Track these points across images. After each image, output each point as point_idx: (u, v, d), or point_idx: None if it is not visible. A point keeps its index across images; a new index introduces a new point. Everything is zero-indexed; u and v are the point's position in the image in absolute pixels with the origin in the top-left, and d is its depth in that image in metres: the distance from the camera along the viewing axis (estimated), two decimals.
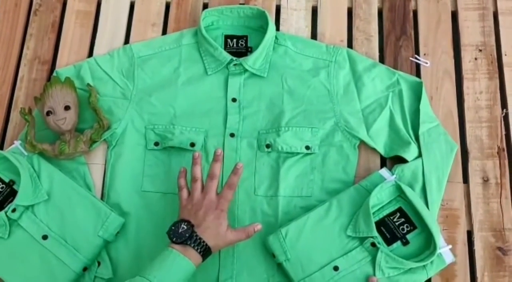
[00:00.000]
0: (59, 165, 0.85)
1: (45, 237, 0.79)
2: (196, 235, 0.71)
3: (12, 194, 0.82)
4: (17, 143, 0.85)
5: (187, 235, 0.71)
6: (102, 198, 0.85)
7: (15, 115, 0.91)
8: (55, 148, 0.82)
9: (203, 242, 0.71)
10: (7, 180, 0.83)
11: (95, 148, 0.86)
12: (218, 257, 0.79)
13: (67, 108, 0.83)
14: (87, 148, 0.84)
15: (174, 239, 0.71)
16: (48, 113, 0.82)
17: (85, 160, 0.87)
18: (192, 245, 0.70)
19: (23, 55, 0.96)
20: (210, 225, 0.73)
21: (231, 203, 0.81)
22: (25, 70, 0.95)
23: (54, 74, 0.91)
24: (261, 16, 0.92)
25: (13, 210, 0.78)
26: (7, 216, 0.78)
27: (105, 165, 0.87)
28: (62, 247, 0.78)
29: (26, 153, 0.84)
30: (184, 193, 0.77)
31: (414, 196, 0.78)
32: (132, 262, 0.80)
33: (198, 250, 0.71)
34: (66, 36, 0.97)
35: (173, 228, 0.72)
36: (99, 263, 0.80)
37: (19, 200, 0.78)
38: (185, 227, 0.71)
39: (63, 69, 0.92)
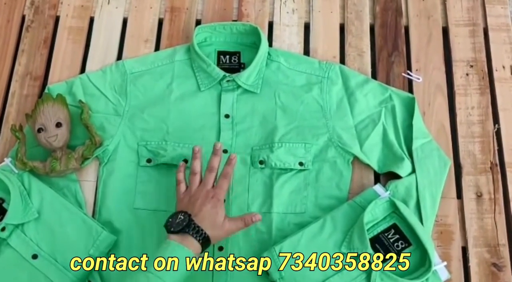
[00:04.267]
0: (50, 182, 0.84)
1: (35, 256, 0.77)
2: (194, 223, 0.70)
3: (2, 212, 0.80)
4: (7, 160, 0.84)
5: (184, 223, 0.69)
6: (93, 215, 0.84)
7: (5, 132, 0.90)
8: (46, 165, 0.81)
9: (201, 230, 0.70)
10: None
11: (86, 165, 0.85)
12: (212, 276, 0.78)
13: (58, 125, 0.82)
14: (78, 165, 0.83)
15: (172, 228, 0.70)
16: (40, 130, 0.81)
17: (76, 177, 0.86)
18: (191, 232, 0.69)
19: (14, 71, 0.95)
20: (207, 214, 0.72)
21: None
22: (16, 86, 0.94)
23: (46, 90, 0.90)
24: (254, 33, 0.92)
25: (3, 229, 0.77)
26: None
27: (96, 182, 0.86)
28: (52, 266, 0.77)
29: (16, 171, 0.83)
30: (182, 187, 0.77)
31: (408, 212, 0.78)
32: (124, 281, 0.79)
33: (197, 238, 0.69)
34: (58, 52, 0.96)
35: (170, 219, 0.71)
36: None
37: (8, 219, 0.77)
38: (182, 217, 0.70)
39: (55, 85, 0.91)
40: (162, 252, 0.68)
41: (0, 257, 0.77)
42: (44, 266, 0.77)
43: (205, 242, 0.70)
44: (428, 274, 0.74)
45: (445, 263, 0.77)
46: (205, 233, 0.70)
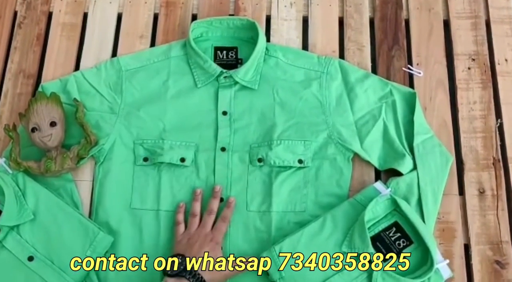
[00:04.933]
0: (45, 182, 0.82)
1: (30, 258, 0.76)
2: (192, 267, 0.70)
3: None
4: (1, 161, 0.82)
5: (181, 267, 0.69)
6: (90, 216, 0.83)
7: None
8: (41, 165, 0.80)
9: (198, 274, 0.69)
10: None
11: (82, 164, 0.84)
12: None
13: (52, 124, 0.80)
14: (74, 164, 0.82)
15: (169, 272, 0.69)
16: (33, 129, 0.80)
17: (72, 176, 0.84)
18: (188, 277, 0.68)
19: (7, 69, 0.94)
20: (205, 258, 0.72)
21: None
22: (9, 85, 0.92)
23: (40, 88, 0.89)
24: (251, 27, 0.90)
25: None
26: None
27: (93, 181, 0.85)
28: (49, 269, 0.76)
29: (10, 171, 0.81)
30: (181, 228, 0.78)
31: (410, 210, 0.77)
32: None
33: None
34: (52, 49, 0.95)
35: (167, 262, 0.71)
36: None
37: (3, 220, 0.76)
38: (179, 260, 0.70)
39: (49, 83, 0.89)
40: None
41: None
42: (40, 268, 0.76)
43: None
44: (431, 273, 0.73)
45: (447, 261, 0.76)
46: (202, 278, 0.69)
